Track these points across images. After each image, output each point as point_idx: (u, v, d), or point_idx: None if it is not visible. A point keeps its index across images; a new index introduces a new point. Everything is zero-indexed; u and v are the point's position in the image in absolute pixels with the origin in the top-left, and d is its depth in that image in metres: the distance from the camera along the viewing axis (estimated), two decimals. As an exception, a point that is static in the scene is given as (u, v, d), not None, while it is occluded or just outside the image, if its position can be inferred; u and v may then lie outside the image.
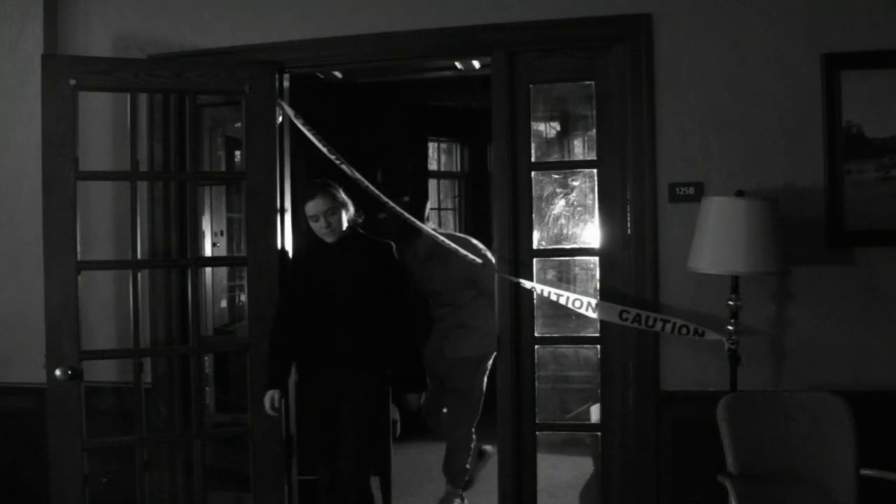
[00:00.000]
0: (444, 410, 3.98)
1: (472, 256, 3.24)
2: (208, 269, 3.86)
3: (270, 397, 2.94)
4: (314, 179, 3.09)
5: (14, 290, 3.17)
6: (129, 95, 2.95)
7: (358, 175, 3.06)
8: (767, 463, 2.50)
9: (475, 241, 3.73)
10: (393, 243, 3.13)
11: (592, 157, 3.05)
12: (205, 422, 3.09)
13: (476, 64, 3.99)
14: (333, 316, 2.98)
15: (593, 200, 3.04)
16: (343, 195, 3.04)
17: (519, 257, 2.99)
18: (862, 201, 2.74)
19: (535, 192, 3.05)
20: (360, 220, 3.11)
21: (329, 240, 2.98)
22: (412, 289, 3.97)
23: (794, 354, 2.78)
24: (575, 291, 2.95)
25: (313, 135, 3.06)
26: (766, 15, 2.78)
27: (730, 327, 2.65)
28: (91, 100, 3.03)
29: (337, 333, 2.98)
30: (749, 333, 2.73)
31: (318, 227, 2.96)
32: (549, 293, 2.89)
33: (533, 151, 3.03)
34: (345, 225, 3.00)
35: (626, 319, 2.78)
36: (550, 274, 3.79)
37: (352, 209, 3.06)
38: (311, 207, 2.95)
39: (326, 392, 3.02)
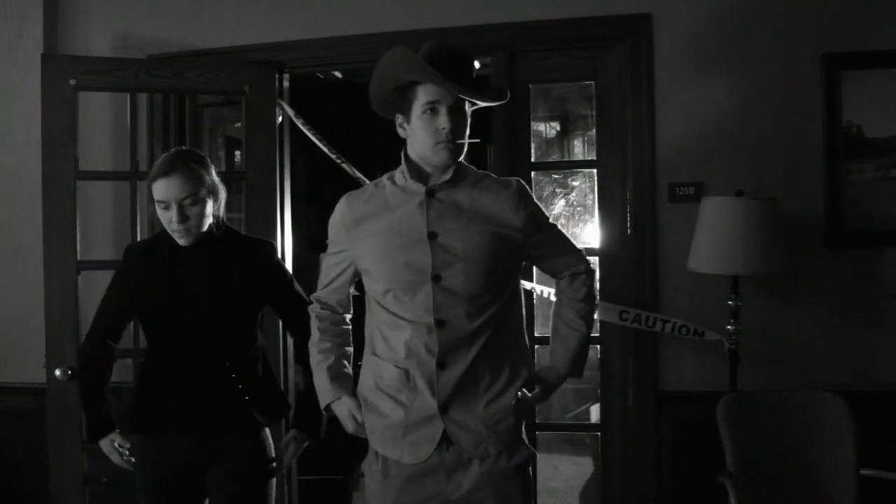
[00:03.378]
0: None
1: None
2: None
3: (110, 445, 2.19)
4: (177, 148, 2.26)
5: (14, 290, 3.16)
6: (128, 95, 2.95)
7: (359, 174, 3.06)
8: (767, 463, 2.50)
9: None
10: (273, 242, 2.36)
11: (592, 157, 3.05)
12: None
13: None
14: (180, 350, 2.10)
15: (593, 200, 3.04)
16: (214, 176, 2.13)
17: (519, 257, 2.99)
18: (862, 201, 2.74)
19: (535, 192, 3.04)
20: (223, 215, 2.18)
21: (183, 242, 2.09)
22: None
23: (794, 354, 2.78)
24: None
25: (313, 135, 3.06)
26: (766, 15, 2.78)
27: (730, 327, 2.65)
28: (91, 100, 3.03)
29: (187, 378, 2.10)
30: (749, 333, 2.73)
31: (168, 220, 2.06)
32: (550, 293, 2.89)
33: (533, 151, 3.03)
34: (208, 223, 2.11)
35: (626, 319, 2.78)
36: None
37: (223, 198, 2.16)
38: (163, 189, 2.03)
39: (177, 464, 2.15)
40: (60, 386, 2.82)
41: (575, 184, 3.60)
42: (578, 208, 3.63)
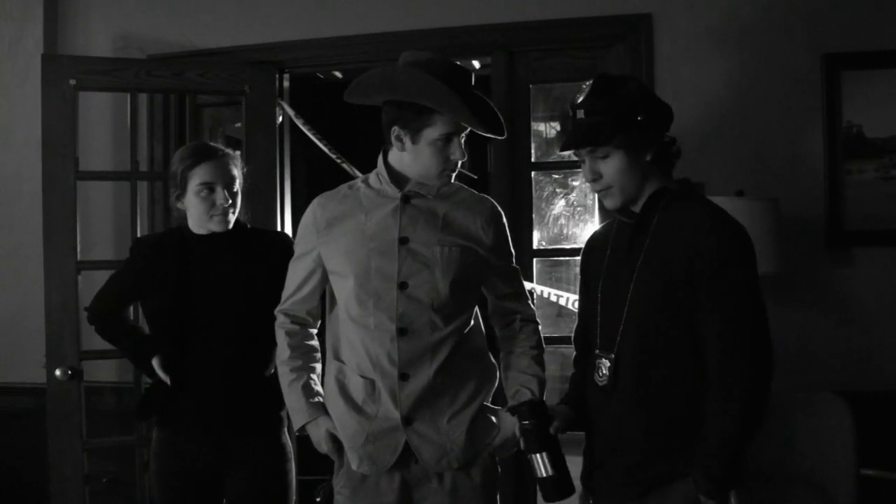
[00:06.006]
0: None
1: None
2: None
3: (158, 363, 2.08)
4: (200, 141, 2.27)
5: (14, 290, 3.17)
6: (128, 95, 2.95)
7: (359, 174, 3.05)
8: (767, 463, 2.50)
9: None
10: (289, 234, 2.33)
11: (592, 157, 3.04)
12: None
13: (476, 64, 3.99)
14: (193, 350, 2.06)
15: (593, 200, 3.04)
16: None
17: (519, 258, 2.99)
18: (862, 201, 2.74)
19: (535, 192, 3.05)
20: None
21: (220, 228, 2.07)
22: None
23: (794, 354, 2.77)
24: (575, 292, 2.95)
25: (313, 135, 3.06)
26: (766, 15, 2.77)
27: (730, 327, 2.64)
28: (91, 100, 3.03)
29: (214, 378, 2.06)
30: (749, 333, 2.73)
31: (210, 204, 2.05)
32: (549, 294, 2.89)
33: (533, 151, 3.03)
34: (236, 215, 2.14)
35: (626, 319, 2.78)
36: (550, 274, 3.79)
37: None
38: (208, 172, 2.03)
39: (195, 470, 2.10)
40: (60, 386, 2.82)
41: (575, 184, 3.59)
42: (578, 208, 3.62)
